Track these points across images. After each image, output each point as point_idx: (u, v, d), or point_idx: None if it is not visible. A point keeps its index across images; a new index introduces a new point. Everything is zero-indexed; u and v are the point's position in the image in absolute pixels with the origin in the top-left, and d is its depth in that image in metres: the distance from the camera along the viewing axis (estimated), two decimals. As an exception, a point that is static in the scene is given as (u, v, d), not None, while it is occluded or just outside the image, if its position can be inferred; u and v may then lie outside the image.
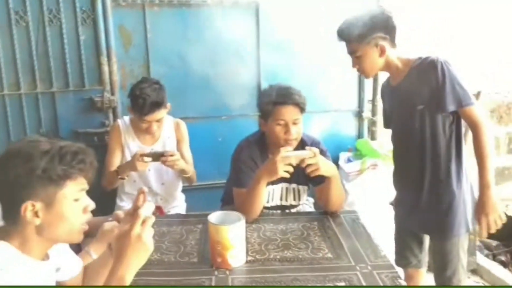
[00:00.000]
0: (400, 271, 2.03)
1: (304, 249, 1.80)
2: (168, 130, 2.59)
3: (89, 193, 1.25)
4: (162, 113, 2.40)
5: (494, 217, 1.82)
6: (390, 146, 2.23)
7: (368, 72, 2.01)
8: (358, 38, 1.90)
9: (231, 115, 3.11)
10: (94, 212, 1.28)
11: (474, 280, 3.08)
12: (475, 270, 3.13)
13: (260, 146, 2.22)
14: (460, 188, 1.95)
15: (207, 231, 1.70)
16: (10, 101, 2.77)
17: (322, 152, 2.04)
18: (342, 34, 1.95)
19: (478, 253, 3.18)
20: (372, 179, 3.04)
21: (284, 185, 2.24)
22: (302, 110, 2.12)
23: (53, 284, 1.29)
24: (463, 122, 1.94)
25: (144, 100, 2.31)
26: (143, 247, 1.16)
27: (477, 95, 3.05)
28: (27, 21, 2.69)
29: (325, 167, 1.96)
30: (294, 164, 1.94)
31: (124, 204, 2.58)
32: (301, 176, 2.15)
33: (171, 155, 2.31)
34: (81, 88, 2.84)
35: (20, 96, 2.78)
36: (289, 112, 2.08)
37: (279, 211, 2.25)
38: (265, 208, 2.17)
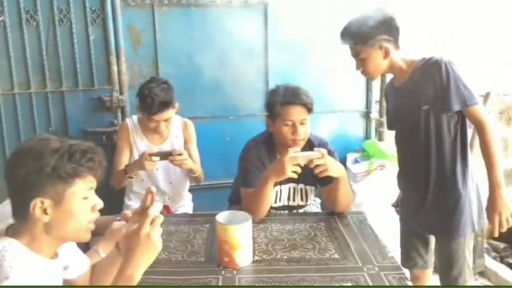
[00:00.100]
0: (406, 272, 2.02)
1: (311, 250, 1.80)
2: (176, 129, 2.60)
3: (97, 192, 1.26)
4: (170, 113, 2.41)
5: (506, 215, 1.82)
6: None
7: (372, 74, 2.01)
8: (362, 41, 1.90)
9: (239, 115, 3.11)
10: (102, 211, 1.29)
11: (481, 282, 3.07)
12: (482, 272, 3.12)
13: (268, 146, 2.22)
14: (466, 188, 1.95)
15: (215, 230, 1.71)
16: (20, 100, 2.80)
17: (330, 153, 2.04)
18: (346, 37, 1.95)
19: (485, 255, 3.17)
20: (379, 180, 3.03)
21: (291, 185, 2.24)
22: (309, 110, 2.12)
23: (61, 282, 1.30)
24: (468, 123, 1.94)
25: (152, 100, 2.32)
26: (152, 246, 1.17)
27: (486, 96, 3.03)
28: (37, 20, 2.72)
29: (333, 167, 1.96)
30: (302, 165, 1.94)
31: (132, 203, 2.59)
32: (309, 176, 2.15)
33: (179, 154, 2.32)
34: (90, 88, 2.86)
35: (30, 95, 2.80)
36: (296, 112, 2.08)
37: (286, 211, 2.26)
38: (272, 208, 2.18)
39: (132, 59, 2.92)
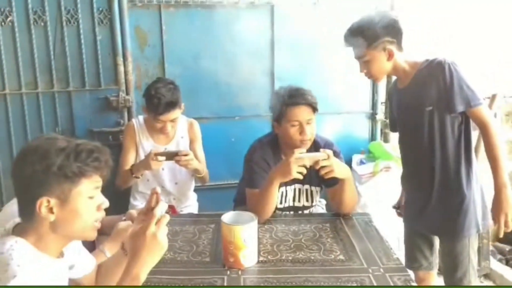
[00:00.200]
0: (410, 274, 2.02)
1: (316, 251, 1.80)
2: (181, 130, 2.60)
3: (103, 191, 1.26)
4: (176, 113, 2.42)
5: None
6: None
7: (376, 76, 2.01)
8: (365, 43, 1.89)
9: (245, 116, 3.12)
10: (108, 211, 1.29)
11: (487, 284, 3.05)
12: (488, 275, 3.10)
13: (273, 147, 2.22)
14: (470, 188, 1.94)
15: (220, 230, 1.71)
16: (28, 100, 2.81)
17: (336, 154, 2.04)
18: (349, 40, 1.94)
19: (491, 257, 3.15)
20: (385, 181, 3.02)
21: (297, 186, 2.23)
22: (314, 110, 2.12)
23: (66, 281, 1.31)
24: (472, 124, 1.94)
25: (159, 100, 2.33)
26: (158, 246, 1.18)
27: (492, 98, 3.02)
28: (45, 21, 2.73)
29: (339, 169, 1.96)
30: (308, 166, 1.94)
31: (138, 203, 2.60)
32: (314, 177, 2.15)
33: (185, 155, 2.32)
34: (97, 88, 2.87)
35: (37, 94, 2.82)
36: (302, 112, 2.08)
37: (291, 212, 2.26)
38: (277, 209, 2.18)
39: (138, 60, 2.93)
